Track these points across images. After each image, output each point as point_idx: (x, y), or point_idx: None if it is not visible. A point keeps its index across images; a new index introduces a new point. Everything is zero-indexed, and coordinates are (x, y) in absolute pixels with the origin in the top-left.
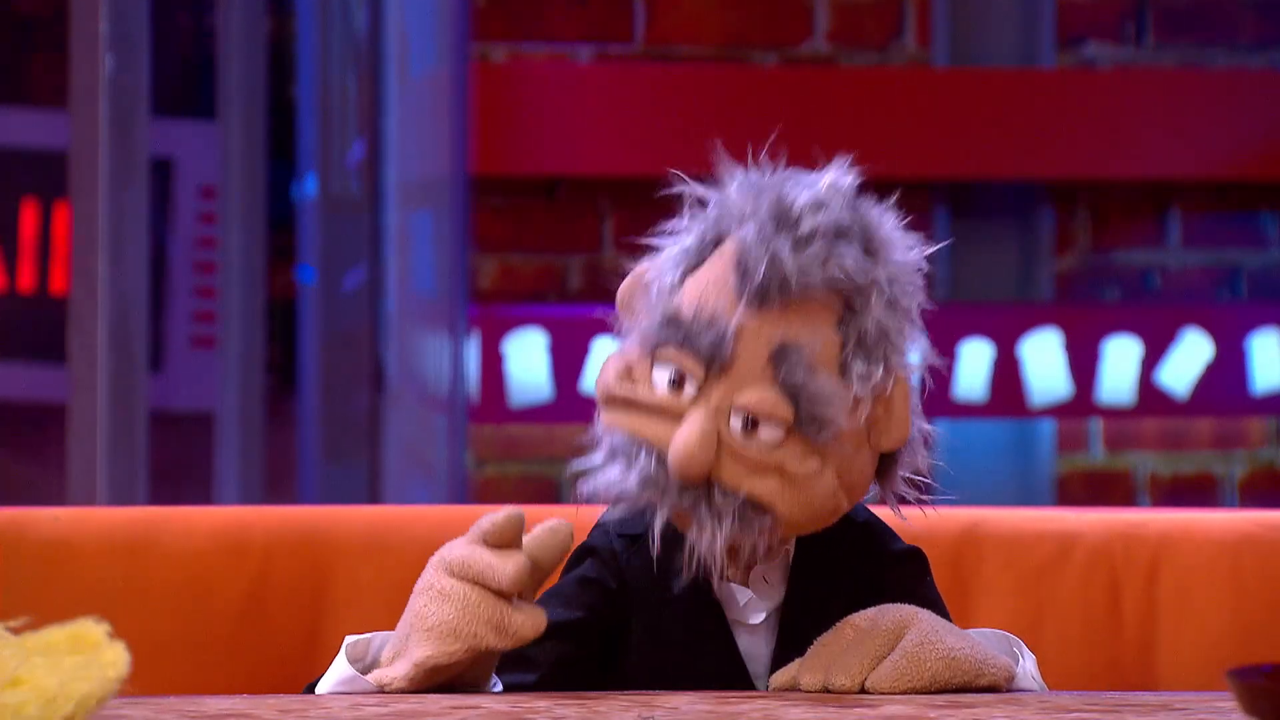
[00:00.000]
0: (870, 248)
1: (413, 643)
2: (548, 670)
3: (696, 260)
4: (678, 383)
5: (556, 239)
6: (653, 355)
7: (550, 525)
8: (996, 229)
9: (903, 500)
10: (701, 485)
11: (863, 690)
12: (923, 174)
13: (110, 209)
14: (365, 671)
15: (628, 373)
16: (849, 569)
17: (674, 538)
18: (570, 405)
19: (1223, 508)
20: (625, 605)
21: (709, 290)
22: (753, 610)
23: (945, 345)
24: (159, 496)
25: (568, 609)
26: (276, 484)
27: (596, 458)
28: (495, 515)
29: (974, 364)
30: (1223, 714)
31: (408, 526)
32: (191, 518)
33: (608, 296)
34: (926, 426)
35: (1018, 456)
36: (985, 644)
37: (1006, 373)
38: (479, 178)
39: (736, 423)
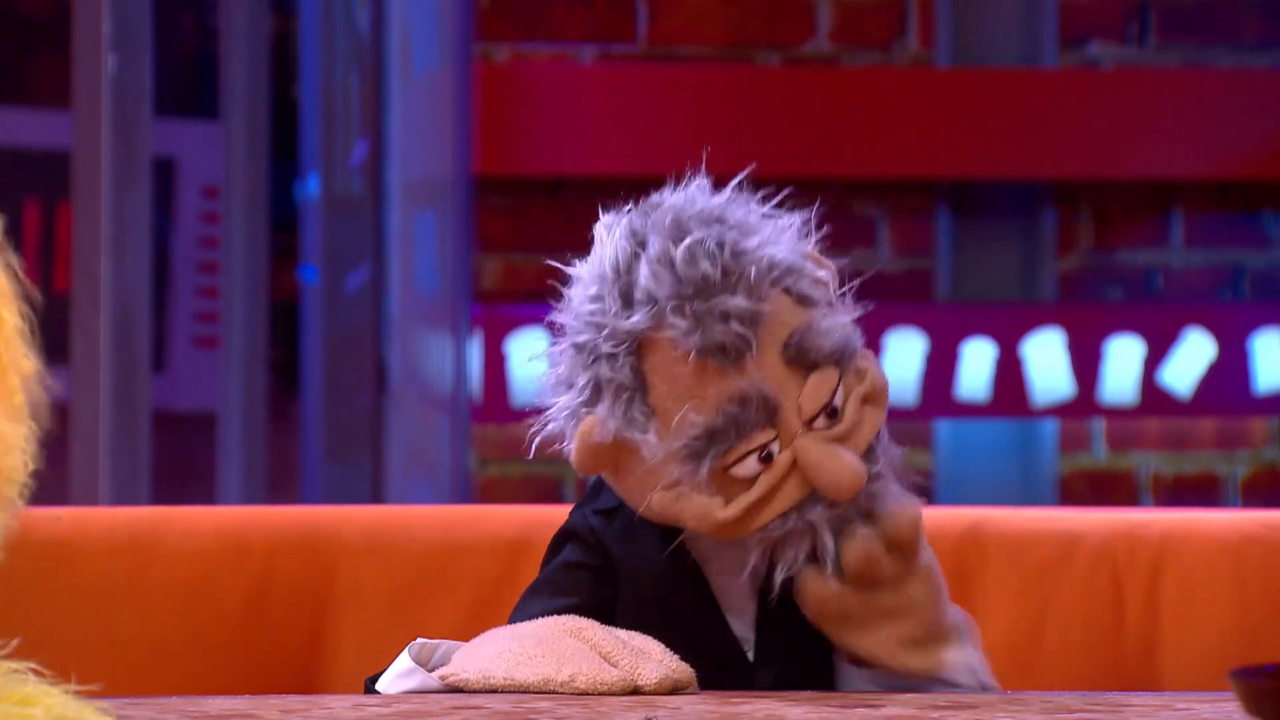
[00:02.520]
0: (744, 228)
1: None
2: None
3: (638, 386)
4: (767, 459)
5: (560, 239)
6: (724, 465)
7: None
8: (999, 229)
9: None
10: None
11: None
12: (925, 174)
13: (113, 209)
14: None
15: (716, 498)
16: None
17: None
18: None
19: (1225, 508)
20: (612, 579)
21: (693, 388)
22: (734, 569)
23: (948, 345)
24: (161, 496)
25: (562, 596)
26: (279, 484)
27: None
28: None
29: (976, 364)
30: (1225, 714)
31: (410, 526)
32: (194, 518)
33: None
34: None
35: (1020, 456)
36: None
37: (1009, 372)
38: (482, 178)
39: (822, 423)
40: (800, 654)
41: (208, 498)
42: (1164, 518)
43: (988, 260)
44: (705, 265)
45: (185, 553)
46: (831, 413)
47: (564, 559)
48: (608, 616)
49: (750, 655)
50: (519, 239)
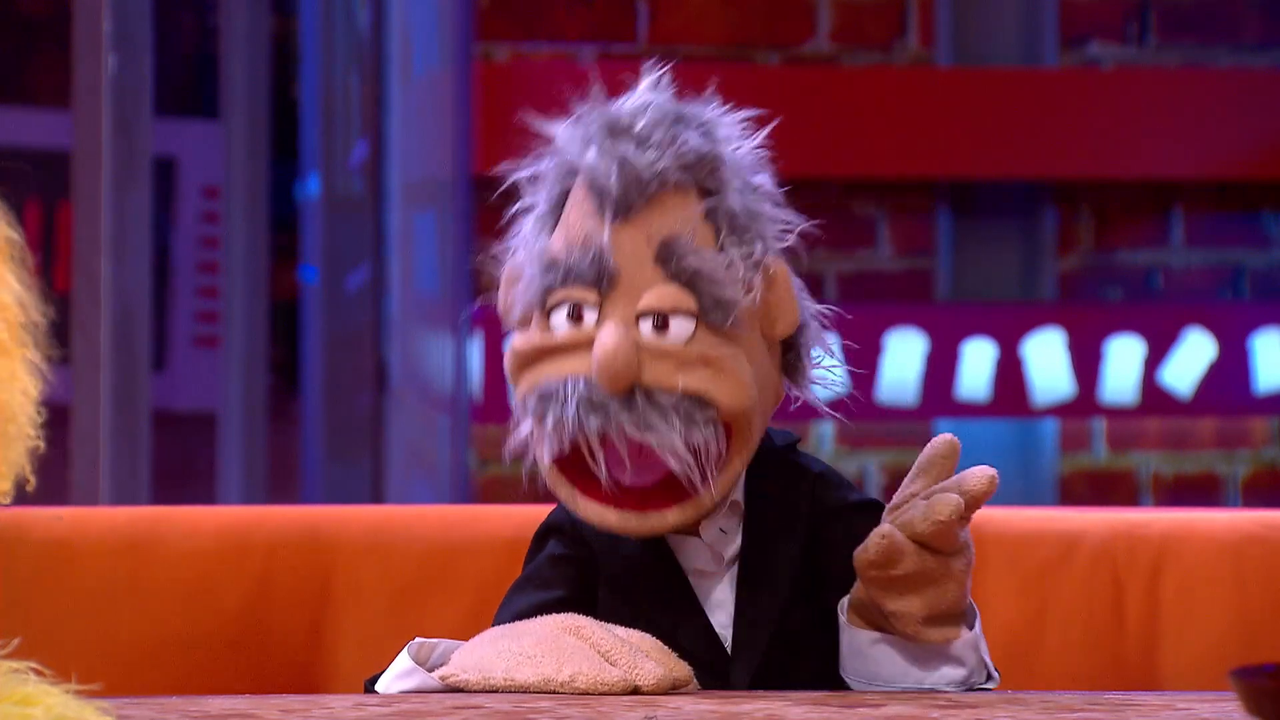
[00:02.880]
0: (706, 130)
1: (569, 657)
2: None
3: (554, 219)
4: (576, 316)
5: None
6: (544, 307)
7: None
8: (999, 229)
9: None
10: (638, 394)
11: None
12: (925, 173)
13: (113, 209)
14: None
15: (526, 336)
16: (804, 516)
17: None
18: None
19: (1225, 508)
20: (595, 570)
21: (573, 225)
22: (712, 560)
23: (948, 345)
24: (161, 496)
25: (547, 590)
26: (279, 484)
27: (527, 422)
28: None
29: (977, 364)
30: (1225, 714)
31: (411, 526)
32: (194, 518)
33: None
34: (816, 306)
35: (1020, 456)
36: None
37: (1009, 372)
38: (482, 177)
39: (647, 326)
40: (778, 646)
41: (208, 497)
42: (1164, 517)
43: (988, 260)
44: (640, 117)
45: (185, 553)
46: (660, 326)
47: (548, 553)
48: (592, 608)
49: (728, 647)
50: None
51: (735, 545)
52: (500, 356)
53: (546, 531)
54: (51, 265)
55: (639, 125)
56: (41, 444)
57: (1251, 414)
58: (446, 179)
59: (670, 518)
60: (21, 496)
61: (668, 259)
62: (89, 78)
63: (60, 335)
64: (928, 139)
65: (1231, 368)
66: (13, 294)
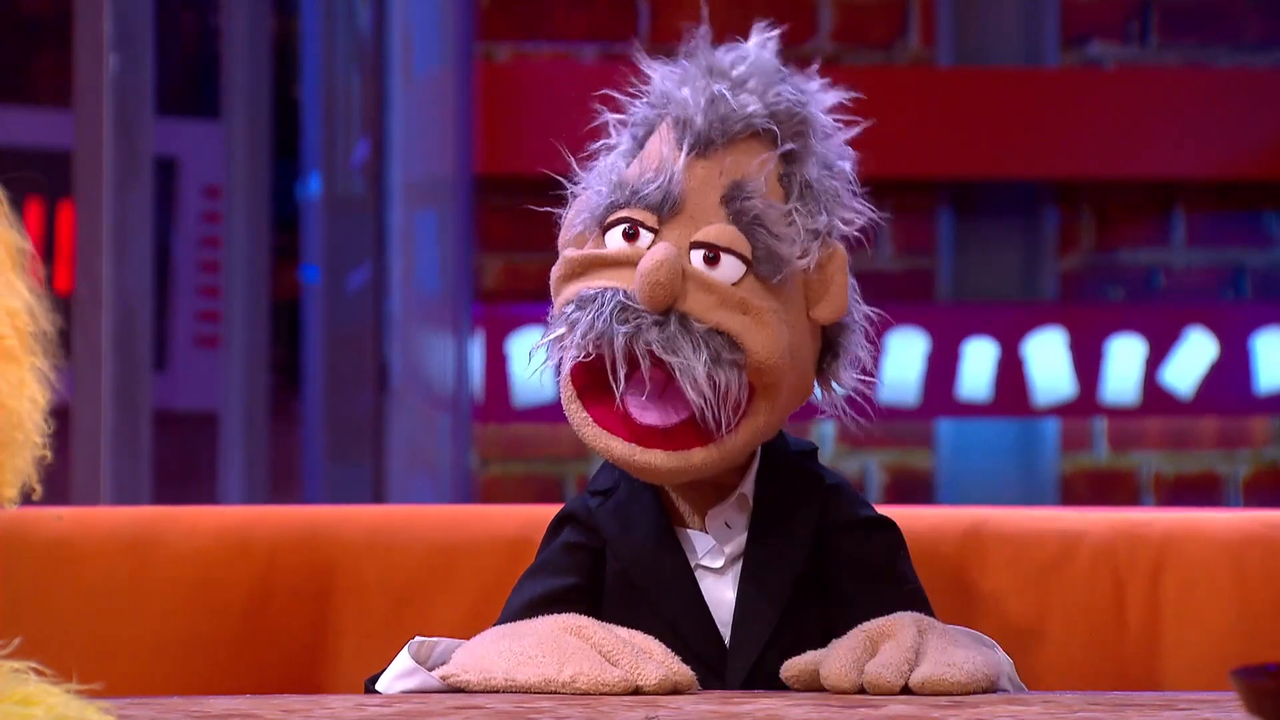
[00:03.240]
0: (802, 93)
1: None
2: None
3: (636, 152)
4: (632, 235)
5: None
6: (603, 224)
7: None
8: (1000, 228)
9: (852, 404)
10: (673, 315)
11: (905, 690)
12: (927, 173)
13: (114, 208)
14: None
15: (580, 246)
16: (812, 524)
17: (639, 483)
18: None
19: (1227, 507)
20: (606, 559)
21: (651, 153)
22: (715, 555)
23: (949, 345)
24: (163, 496)
25: (559, 576)
26: (280, 484)
27: (558, 327)
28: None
29: (978, 363)
30: (1226, 713)
31: (412, 526)
32: (195, 517)
33: None
34: (867, 309)
35: (1022, 456)
36: (976, 644)
37: (1010, 372)
38: (483, 177)
39: (698, 257)
40: (774, 648)
41: (209, 497)
42: (1165, 517)
43: (989, 260)
44: (740, 63)
45: (186, 552)
46: (712, 260)
47: (563, 540)
48: (603, 595)
49: (727, 642)
50: (520, 238)
51: (740, 542)
52: (502, 357)
53: (562, 520)
54: (53, 265)
55: (737, 70)
56: (49, 453)
57: (1253, 414)
58: (447, 178)
59: (696, 457)
60: (22, 496)
61: (733, 199)
62: (90, 77)
63: (61, 335)
64: (929, 139)
65: (1232, 367)
66: (21, 301)
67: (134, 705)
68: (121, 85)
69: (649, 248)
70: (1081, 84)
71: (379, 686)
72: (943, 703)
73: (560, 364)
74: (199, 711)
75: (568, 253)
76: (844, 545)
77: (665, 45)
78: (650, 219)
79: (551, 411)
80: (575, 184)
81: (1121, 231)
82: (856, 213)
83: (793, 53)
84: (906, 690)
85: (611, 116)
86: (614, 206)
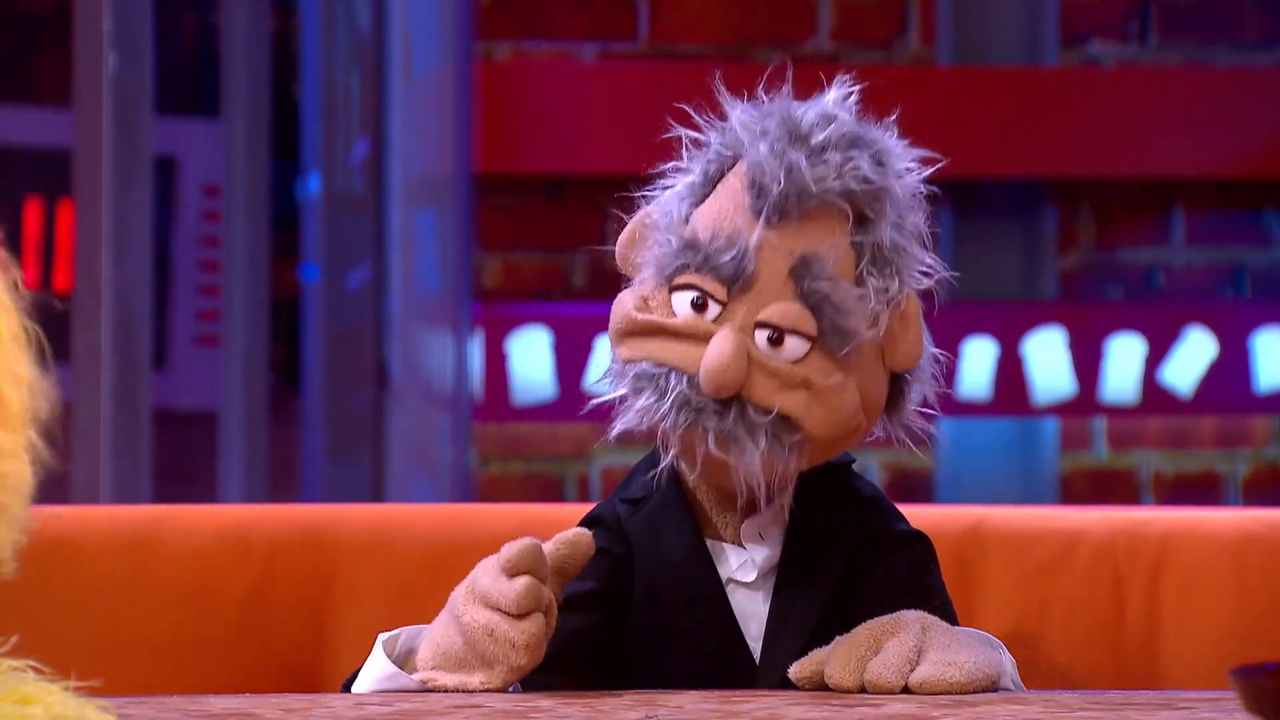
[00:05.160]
0: (879, 159)
1: (473, 663)
2: (566, 641)
3: (703, 194)
4: (700, 306)
5: (560, 237)
6: (670, 282)
7: (569, 539)
8: (1000, 227)
9: (911, 435)
10: (734, 404)
11: (905, 690)
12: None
13: (114, 207)
14: (398, 663)
15: (645, 304)
16: (848, 539)
17: (671, 494)
18: (574, 403)
19: (1226, 506)
20: (631, 567)
21: (724, 212)
22: (748, 569)
23: (949, 343)
24: (162, 495)
25: (580, 580)
26: (280, 482)
27: (621, 389)
28: (511, 547)
29: (978, 362)
30: (1226, 713)
31: (411, 525)
32: (195, 516)
33: (612, 295)
34: (936, 350)
35: (1021, 455)
36: (979, 644)
37: (1010, 371)
38: (483, 176)
39: (762, 338)
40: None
41: (209, 496)
42: (1165, 516)
43: (989, 259)
44: (820, 130)
45: (186, 551)
46: (776, 341)
47: None
48: (624, 603)
49: (756, 659)
50: (520, 237)
51: (773, 557)
52: (502, 356)
53: (590, 523)
54: (52, 264)
55: (817, 137)
56: (25, 539)
57: (1252, 413)
58: (447, 177)
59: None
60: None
61: (802, 276)
62: (90, 76)
63: (61, 334)
64: (928, 138)
65: (1232, 366)
66: (23, 375)
67: (133, 704)
68: (121, 84)
69: (715, 322)
70: (1081, 83)
71: (356, 689)
72: (943, 702)
73: (615, 419)
74: (198, 710)
75: (634, 313)
76: (876, 559)
77: (665, 45)
78: (720, 291)
79: (551, 411)
80: (644, 198)
81: (1121, 230)
82: (929, 267)
83: (792, 51)
84: (906, 690)
85: (685, 132)
86: (683, 268)
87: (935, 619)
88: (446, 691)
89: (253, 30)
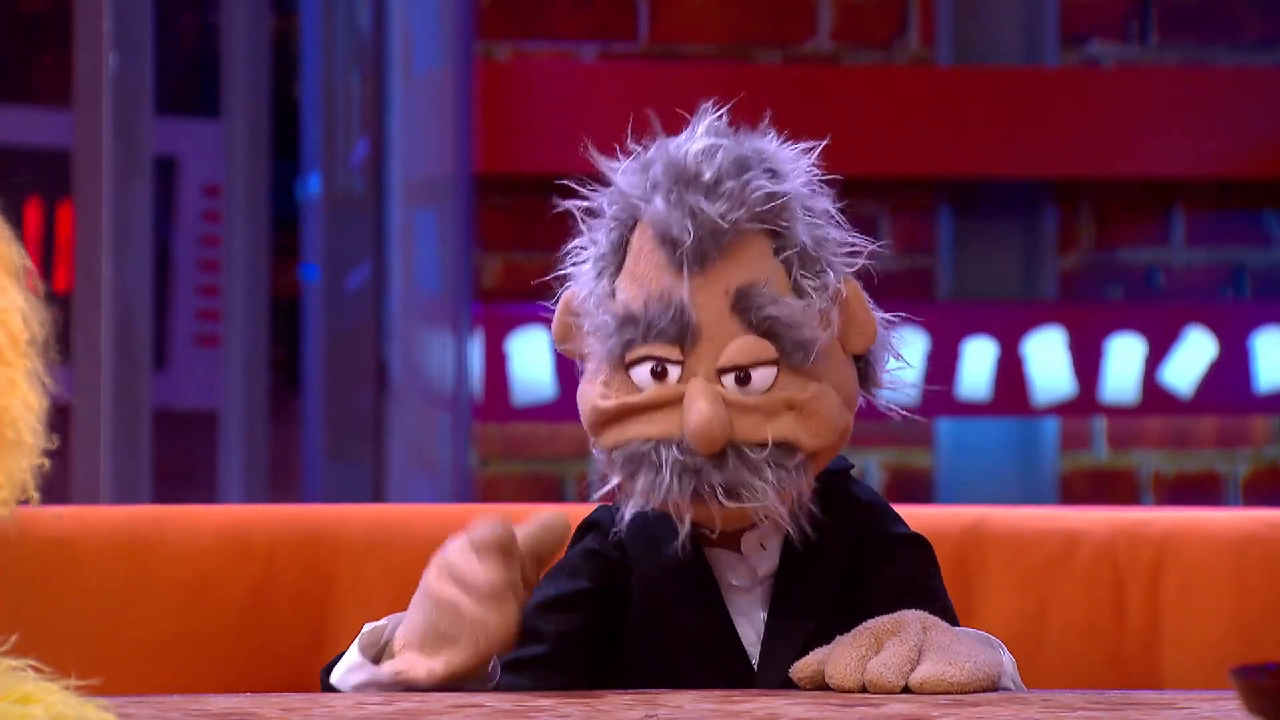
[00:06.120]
0: (773, 170)
1: (430, 645)
2: (555, 641)
3: (616, 261)
4: (659, 373)
5: (561, 237)
6: (623, 361)
7: (545, 520)
8: (1000, 227)
9: (898, 403)
10: (729, 452)
11: (905, 689)
12: (926, 172)
13: (114, 207)
14: (378, 657)
15: (607, 390)
16: (846, 544)
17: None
18: (574, 404)
19: (1226, 506)
20: (627, 574)
21: (645, 276)
22: (746, 577)
23: (949, 343)
24: (162, 495)
25: (573, 580)
26: (280, 482)
27: (616, 477)
28: (482, 526)
29: (977, 362)
30: (1226, 713)
31: (411, 525)
32: (195, 516)
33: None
34: (886, 315)
35: (1021, 455)
36: (980, 644)
37: (1010, 371)
38: (483, 176)
39: (730, 381)
40: None
41: (209, 496)
42: (1165, 516)
43: (989, 259)
44: (708, 165)
45: (186, 551)
46: (743, 379)
47: (584, 546)
48: (618, 605)
49: (754, 663)
50: (520, 237)
51: (772, 563)
52: (502, 356)
53: (587, 527)
54: (52, 264)
55: (707, 173)
56: (45, 461)
57: (1252, 413)
58: (447, 177)
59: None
60: (20, 500)
61: (745, 309)
62: (90, 76)
63: (61, 334)
64: (928, 138)
65: (1232, 366)
66: (15, 305)
67: (133, 704)
68: (121, 84)
69: (680, 382)
70: (1081, 83)
71: (334, 679)
72: (943, 701)
73: (623, 507)
74: (199, 710)
75: (599, 402)
76: (876, 563)
77: (665, 45)
78: (673, 352)
79: (551, 411)
80: (561, 278)
81: (1121, 231)
82: (854, 247)
83: (792, 51)
84: (907, 690)
85: (574, 205)
86: (630, 344)
87: (936, 619)
88: (417, 683)
89: (253, 30)
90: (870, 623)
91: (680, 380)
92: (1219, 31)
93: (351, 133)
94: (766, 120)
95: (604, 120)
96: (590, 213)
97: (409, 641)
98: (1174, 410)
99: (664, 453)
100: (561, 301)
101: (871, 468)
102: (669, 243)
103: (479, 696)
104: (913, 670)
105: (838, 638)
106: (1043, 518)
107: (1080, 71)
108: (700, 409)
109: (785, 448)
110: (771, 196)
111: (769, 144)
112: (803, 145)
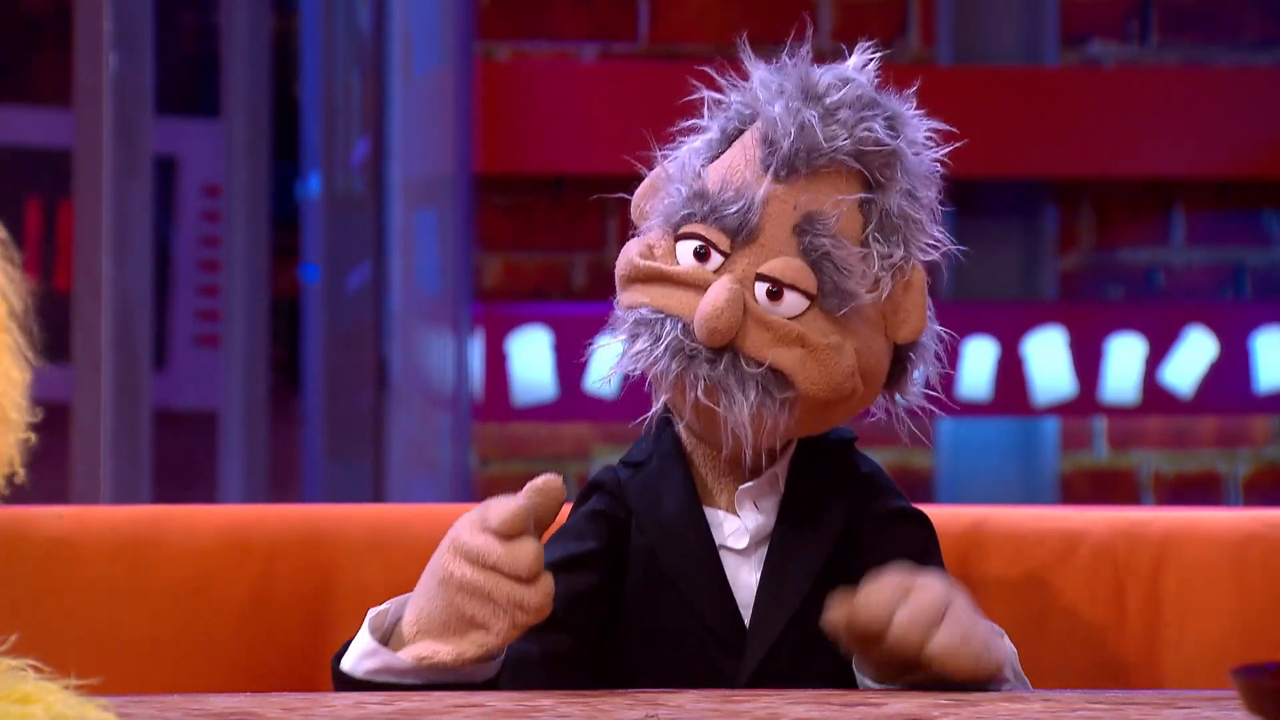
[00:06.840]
0: (893, 124)
1: (454, 632)
2: (565, 603)
3: (720, 150)
4: (703, 255)
5: (560, 237)
6: (676, 231)
7: (540, 485)
8: (1000, 227)
9: (913, 417)
10: (727, 353)
11: (919, 661)
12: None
13: (114, 207)
14: (385, 640)
15: (649, 251)
16: (843, 512)
17: (671, 459)
18: (574, 404)
19: (1227, 506)
20: (630, 530)
21: (735, 166)
22: (740, 536)
23: (949, 343)
24: (162, 495)
25: (580, 541)
26: (280, 482)
27: (619, 335)
28: (502, 509)
29: (978, 362)
30: (1226, 712)
31: (411, 525)
32: (195, 516)
33: (612, 294)
34: (940, 329)
35: (1022, 455)
36: (990, 632)
37: (1010, 371)
38: (483, 176)
39: (761, 291)
40: (794, 634)
41: (209, 496)
42: (1165, 516)
43: (989, 259)
44: (835, 90)
45: (186, 551)
46: (775, 294)
47: (589, 508)
48: (622, 564)
49: (747, 624)
50: (520, 237)
51: (767, 525)
52: (502, 356)
53: (590, 488)
54: (52, 264)
55: (832, 97)
56: (33, 436)
57: (1252, 413)
58: (447, 177)
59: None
60: (22, 495)
61: (806, 233)
62: (90, 76)
63: (61, 334)
64: (928, 138)
65: (1232, 366)
66: None
67: (133, 703)
68: (121, 84)
69: (716, 272)
70: (1081, 83)
71: (345, 666)
72: (943, 700)
73: (612, 367)
74: (199, 709)
75: (637, 259)
76: (873, 534)
77: (665, 44)
78: (724, 241)
79: (551, 411)
80: (663, 157)
81: (1121, 230)
82: (937, 241)
83: (793, 52)
84: (920, 662)
85: (708, 94)
86: (689, 218)
87: (956, 589)
88: (446, 666)
89: (253, 30)
90: (897, 571)
91: (717, 271)
92: (1219, 31)
93: (351, 133)
94: (912, 90)
95: (604, 120)
96: (717, 103)
97: (427, 628)
98: (1174, 410)
99: (668, 326)
100: (654, 172)
101: None
102: (769, 143)
103: (479, 696)
104: (932, 631)
105: (867, 584)
106: (1043, 518)
107: (1080, 71)
108: (716, 297)
109: (780, 378)
110: (879, 143)
111: (907, 109)
112: (937, 133)
